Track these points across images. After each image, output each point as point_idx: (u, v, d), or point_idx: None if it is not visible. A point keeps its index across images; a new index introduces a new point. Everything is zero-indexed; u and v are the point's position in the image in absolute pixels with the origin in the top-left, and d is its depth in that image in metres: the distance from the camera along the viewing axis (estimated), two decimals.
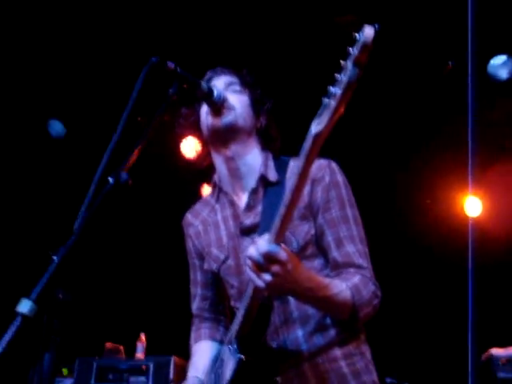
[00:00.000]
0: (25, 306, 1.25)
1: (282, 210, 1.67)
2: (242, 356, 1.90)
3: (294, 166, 2.14)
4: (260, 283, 1.72)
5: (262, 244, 1.70)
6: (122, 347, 5.45)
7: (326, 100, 1.48)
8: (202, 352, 2.27)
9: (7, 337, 1.21)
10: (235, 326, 1.98)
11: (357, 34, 1.39)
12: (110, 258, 6.15)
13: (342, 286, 1.92)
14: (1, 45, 4.67)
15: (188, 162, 5.88)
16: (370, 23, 1.38)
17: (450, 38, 5.11)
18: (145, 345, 5.50)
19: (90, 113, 5.20)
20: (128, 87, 1.76)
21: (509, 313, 5.87)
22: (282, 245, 1.71)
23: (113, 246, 6.11)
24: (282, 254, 1.70)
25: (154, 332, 5.61)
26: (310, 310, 2.03)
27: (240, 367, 1.91)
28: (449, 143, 5.75)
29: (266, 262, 1.69)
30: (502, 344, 4.75)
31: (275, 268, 1.69)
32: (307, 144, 1.56)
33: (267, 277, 1.70)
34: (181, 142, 5.95)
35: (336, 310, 1.95)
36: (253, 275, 1.73)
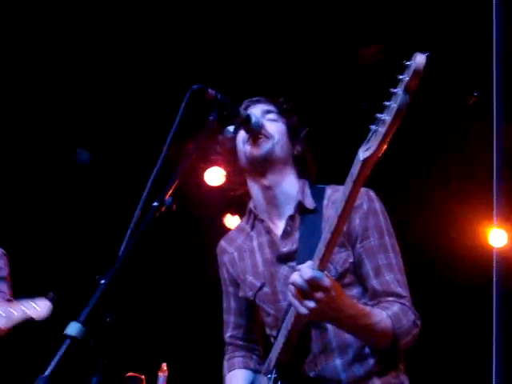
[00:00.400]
0: (73, 329, 1.25)
1: (327, 235, 1.67)
2: (282, 381, 1.89)
3: (332, 193, 2.15)
4: (304, 310, 1.71)
5: (306, 270, 1.69)
6: (143, 377, 5.41)
7: (374, 127, 1.50)
8: (237, 381, 2.25)
9: (56, 359, 1.21)
10: (274, 354, 1.97)
11: (407, 62, 1.42)
12: (133, 284, 6.15)
13: (382, 315, 1.90)
14: (31, 75, 4.76)
15: (211, 191, 5.91)
16: (420, 51, 1.42)
17: (476, 68, 5.13)
18: (166, 375, 5.46)
19: (134, 140, 5.25)
20: (167, 114, 1.78)
21: None
22: (325, 272, 1.71)
23: (139, 270, 6.12)
24: (327, 280, 1.70)
25: (177, 363, 5.58)
26: (349, 340, 2.01)
27: None
28: (474, 173, 5.73)
29: (310, 289, 1.68)
30: None
31: (319, 295, 1.69)
32: (355, 170, 1.57)
33: (311, 304, 1.70)
34: (205, 170, 5.99)
35: (376, 338, 1.93)
36: (296, 302, 1.72)
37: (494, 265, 5.70)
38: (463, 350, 5.89)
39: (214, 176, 5.99)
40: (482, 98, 5.36)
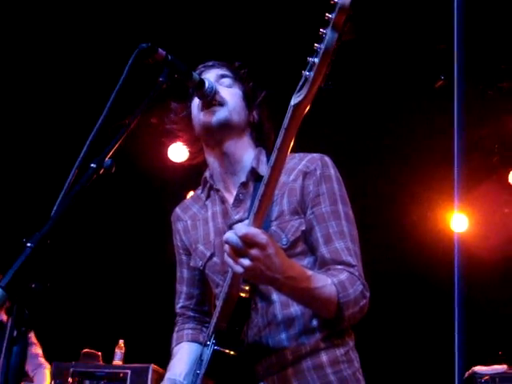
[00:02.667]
0: None
1: (260, 190, 1.62)
2: (218, 347, 1.82)
3: (288, 161, 2.07)
4: (238, 268, 1.65)
5: (240, 227, 1.64)
6: (99, 353, 5.35)
7: (305, 73, 1.47)
8: (183, 354, 2.17)
9: None
10: (213, 320, 1.90)
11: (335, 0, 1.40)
12: (91, 259, 6.05)
13: (326, 281, 1.83)
14: None
15: (175, 167, 5.82)
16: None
17: (441, 54, 5.13)
18: (123, 352, 5.41)
19: (76, 97, 5.11)
20: (117, 73, 1.68)
21: (494, 329, 5.84)
22: (262, 230, 1.66)
23: (94, 245, 6.01)
24: (261, 236, 1.64)
25: (133, 339, 5.51)
26: (295, 313, 1.94)
27: (215, 358, 1.83)
28: (437, 159, 5.75)
29: (244, 245, 1.62)
30: (486, 361, 4.70)
31: (254, 251, 1.62)
32: (287, 116, 1.54)
33: (246, 261, 1.63)
34: (168, 146, 5.90)
35: (319, 305, 1.85)
36: (231, 261, 1.66)
37: (456, 249, 5.80)
38: (425, 332, 5.94)
39: (177, 152, 5.90)
40: (446, 84, 5.38)
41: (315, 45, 1.44)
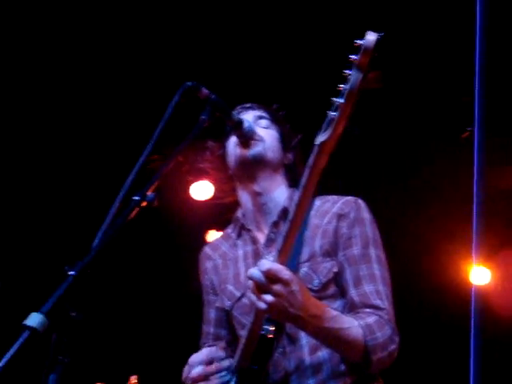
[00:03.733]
0: (34, 320, 1.17)
1: (285, 226, 1.63)
2: None
3: (321, 204, 2.09)
4: (261, 305, 1.63)
5: (264, 262, 1.63)
6: None
7: (331, 113, 1.50)
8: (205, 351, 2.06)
9: (12, 350, 1.12)
10: (236, 358, 1.87)
11: (359, 41, 1.45)
12: (111, 292, 6.05)
13: (352, 323, 1.80)
14: None
15: (197, 205, 5.85)
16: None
17: (466, 106, 5.17)
18: None
19: (121, 132, 5.19)
20: (159, 111, 1.72)
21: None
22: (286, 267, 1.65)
23: (112, 280, 6.01)
24: (285, 272, 1.62)
25: (148, 376, 5.45)
26: (323, 357, 1.92)
27: None
28: (461, 211, 5.72)
29: (267, 281, 1.61)
30: None
31: (277, 287, 1.61)
32: (312, 155, 1.57)
33: (268, 297, 1.61)
34: (191, 184, 5.93)
35: (345, 347, 1.82)
36: (253, 297, 1.65)
37: (473, 302, 5.73)
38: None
39: (201, 190, 5.93)
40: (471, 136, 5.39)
41: (340, 86, 1.48)
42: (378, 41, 1.44)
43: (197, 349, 2.27)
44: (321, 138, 1.54)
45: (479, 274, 6.05)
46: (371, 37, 1.44)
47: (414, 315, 5.99)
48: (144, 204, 1.44)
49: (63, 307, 1.22)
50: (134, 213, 1.42)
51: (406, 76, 4.94)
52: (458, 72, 4.82)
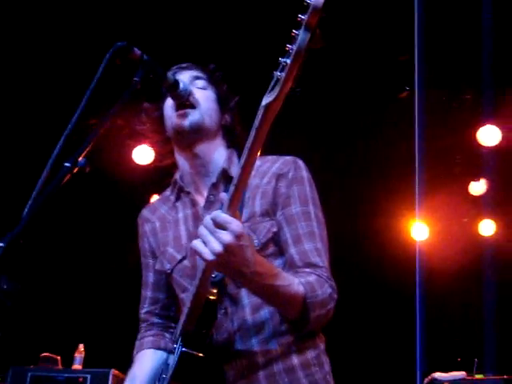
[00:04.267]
0: None
1: (231, 188, 1.61)
2: (185, 349, 1.79)
3: (261, 164, 2.07)
4: (208, 255, 1.60)
5: (217, 212, 1.62)
6: (58, 357, 5.24)
7: (277, 73, 1.48)
8: (143, 362, 2.12)
9: None
10: (180, 322, 1.87)
11: (308, 1, 1.41)
12: (52, 260, 5.95)
13: (293, 280, 1.82)
14: None
15: (139, 170, 5.77)
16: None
17: (405, 65, 5.22)
18: (83, 356, 5.31)
19: (51, 95, 5.02)
20: (92, 72, 1.66)
21: (453, 336, 5.93)
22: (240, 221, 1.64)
23: (55, 246, 5.91)
24: (236, 223, 1.61)
25: (94, 344, 5.42)
26: (265, 316, 1.93)
27: (182, 360, 1.79)
28: (397, 167, 5.83)
29: (216, 230, 1.59)
30: (446, 368, 4.78)
31: (226, 237, 1.59)
32: (258, 116, 1.54)
33: (217, 246, 1.59)
34: (133, 148, 5.84)
35: (284, 303, 1.83)
36: (200, 245, 1.62)
37: (417, 257, 5.89)
38: (386, 339, 6.00)
39: (143, 154, 5.85)
40: (410, 95, 5.47)
41: (287, 46, 1.45)
42: (326, 0, 1.41)
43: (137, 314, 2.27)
44: (267, 99, 1.51)
45: (419, 230, 6.21)
46: None
47: (358, 272, 6.12)
48: (75, 170, 1.40)
49: None
50: (65, 179, 1.37)
51: (345, 35, 4.94)
52: (397, 31, 4.86)
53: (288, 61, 1.45)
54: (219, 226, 1.60)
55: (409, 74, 5.18)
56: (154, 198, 5.99)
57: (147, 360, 2.12)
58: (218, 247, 1.60)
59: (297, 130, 5.62)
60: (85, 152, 1.45)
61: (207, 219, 1.62)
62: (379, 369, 5.93)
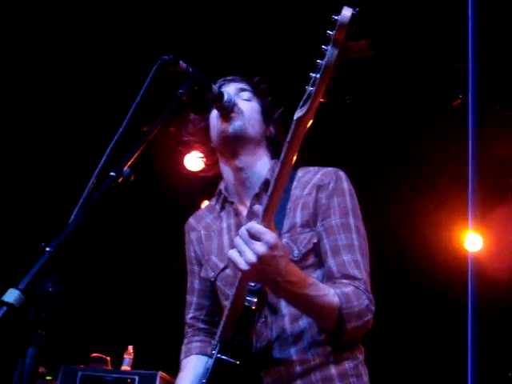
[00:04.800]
0: (11, 296, 1.19)
1: (265, 198, 1.65)
2: (221, 356, 1.82)
3: (302, 175, 2.10)
4: (243, 265, 1.65)
5: (252, 223, 1.67)
6: (108, 358, 5.36)
7: (308, 88, 1.52)
8: (190, 367, 2.18)
9: None
10: (219, 331, 1.91)
11: (335, 17, 1.46)
12: (104, 265, 6.09)
13: (329, 291, 1.83)
14: None
15: (191, 176, 5.86)
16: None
17: (459, 73, 5.14)
18: (132, 358, 5.42)
19: (99, 106, 5.16)
20: (140, 83, 1.72)
21: (507, 349, 5.79)
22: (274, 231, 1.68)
23: (108, 251, 6.05)
24: (270, 234, 1.65)
25: (143, 346, 5.53)
26: (304, 325, 1.95)
27: (218, 367, 1.83)
28: (450, 177, 5.75)
29: (251, 240, 1.64)
30: (498, 381, 4.67)
31: (261, 248, 1.63)
32: (290, 130, 1.58)
33: (251, 257, 1.63)
34: (185, 155, 5.93)
35: (320, 314, 1.85)
36: (236, 255, 1.67)
37: (470, 268, 5.77)
38: (438, 351, 5.91)
39: (194, 161, 5.94)
40: (464, 103, 5.39)
41: (317, 61, 1.50)
42: (354, 16, 1.44)
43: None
44: (298, 114, 1.55)
45: (473, 241, 6.09)
46: (347, 12, 1.44)
47: (411, 283, 6.04)
48: (120, 179, 1.45)
49: (40, 283, 1.24)
50: (110, 188, 1.42)
51: (398, 43, 4.91)
52: (452, 39, 4.80)
53: (318, 75, 1.49)
54: (254, 236, 1.64)
55: (464, 82, 5.11)
56: (205, 203, 6.12)
57: (194, 366, 2.17)
58: (252, 257, 1.64)
59: (348, 140, 5.61)
60: (130, 162, 1.50)
61: (242, 230, 1.66)
62: (430, 382, 5.84)
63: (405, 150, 5.87)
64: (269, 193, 1.64)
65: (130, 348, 5.45)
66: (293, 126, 1.57)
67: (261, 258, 1.63)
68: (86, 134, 5.23)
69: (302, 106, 1.54)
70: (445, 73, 5.33)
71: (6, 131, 5.22)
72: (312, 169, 2.13)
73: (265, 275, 1.69)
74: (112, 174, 1.46)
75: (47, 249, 1.29)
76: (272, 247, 1.63)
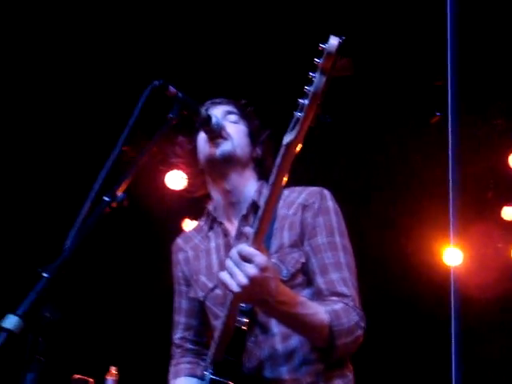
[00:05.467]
0: (10, 322, 1.20)
1: (255, 223, 1.68)
2: (215, 377, 1.84)
3: (288, 194, 2.14)
4: (234, 287, 1.67)
5: (241, 245, 1.69)
6: (91, 380, 5.30)
7: (297, 113, 1.56)
8: None
9: None
10: (211, 351, 1.92)
11: (323, 45, 1.49)
12: (86, 284, 6.05)
13: (319, 309, 1.86)
14: None
15: (172, 195, 5.86)
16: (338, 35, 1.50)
17: (437, 90, 5.24)
18: (116, 379, 5.36)
19: (90, 132, 5.17)
20: (128, 109, 1.74)
21: (490, 364, 5.85)
22: (265, 254, 1.70)
23: (88, 269, 6.01)
24: (261, 256, 1.67)
25: (127, 367, 5.48)
26: (294, 344, 1.97)
27: None
28: (430, 192, 5.82)
29: (242, 263, 1.66)
30: None
31: (252, 270, 1.65)
32: (279, 154, 1.62)
33: (242, 279, 1.66)
34: (166, 173, 5.94)
35: (311, 332, 1.88)
36: (228, 278, 1.69)
37: (452, 283, 5.82)
38: (421, 368, 5.94)
39: (175, 179, 5.94)
40: (442, 120, 5.48)
41: (305, 87, 1.54)
42: (340, 44, 1.48)
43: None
44: (287, 139, 1.59)
45: (453, 255, 6.16)
46: (333, 41, 1.48)
47: (390, 299, 6.08)
48: (114, 204, 1.47)
49: (38, 309, 1.25)
50: (104, 213, 1.44)
51: (376, 61, 4.99)
52: (429, 56, 4.89)
53: (306, 102, 1.53)
54: (245, 258, 1.67)
55: (441, 98, 5.20)
56: (186, 222, 6.12)
57: None
58: (244, 279, 1.66)
59: (327, 156, 5.66)
60: (123, 186, 1.52)
61: (233, 252, 1.69)
62: None
63: (384, 166, 5.94)
64: (259, 216, 1.67)
65: (113, 369, 5.39)
66: (282, 151, 1.61)
67: (252, 280, 1.66)
68: (78, 160, 5.23)
69: (290, 131, 1.58)
70: (422, 90, 5.42)
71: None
72: (297, 188, 2.17)
73: (256, 296, 1.72)
74: (106, 198, 1.48)
75: (44, 274, 1.30)
76: (263, 269, 1.66)
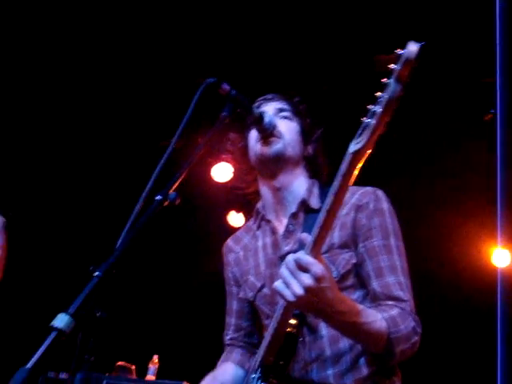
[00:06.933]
0: (61, 321, 1.20)
1: (315, 230, 1.61)
2: (264, 382, 1.82)
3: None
4: (289, 296, 1.61)
5: (298, 253, 1.63)
6: (133, 367, 5.38)
7: (366, 120, 1.47)
8: (226, 370, 2.17)
9: (40, 351, 1.15)
10: (260, 353, 1.90)
11: (400, 51, 1.41)
12: (131, 274, 6.12)
13: (376, 316, 1.81)
14: None
15: (217, 187, 5.87)
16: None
17: (487, 88, 5.10)
18: (157, 367, 5.42)
19: (144, 131, 5.22)
20: (183, 106, 1.73)
21: None
22: (322, 263, 1.63)
23: (134, 262, 6.08)
24: (318, 266, 1.61)
25: (168, 355, 5.54)
26: (343, 348, 1.94)
27: None
28: (478, 193, 5.69)
29: (298, 272, 1.60)
30: None
31: (308, 281, 1.59)
32: (344, 162, 1.54)
33: (299, 290, 1.60)
34: (212, 166, 5.94)
35: (368, 340, 1.83)
36: (282, 286, 1.63)
37: (499, 285, 5.69)
38: (466, 369, 5.83)
39: (221, 172, 5.94)
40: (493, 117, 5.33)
41: (378, 93, 1.45)
42: (420, 51, 1.40)
43: (212, 331, 2.31)
44: (355, 146, 1.51)
45: (501, 257, 6.02)
46: (413, 47, 1.40)
47: (438, 301, 5.98)
48: (166, 203, 1.46)
49: (89, 308, 1.25)
50: (156, 212, 1.43)
51: (427, 61, 4.88)
52: (479, 54, 4.77)
53: (380, 109, 1.44)
54: (301, 267, 1.61)
55: (491, 96, 5.06)
56: (231, 214, 6.11)
57: (230, 373, 2.17)
58: (299, 290, 1.60)
59: (381, 157, 5.57)
60: (175, 185, 1.51)
61: (290, 260, 1.62)
62: None
63: (433, 166, 5.83)
64: (319, 223, 1.61)
65: (155, 357, 5.46)
66: (348, 159, 1.53)
67: (308, 291, 1.60)
68: (134, 158, 5.29)
69: (357, 139, 1.50)
70: (473, 88, 5.29)
71: (54, 161, 5.30)
72: (350, 188, 2.11)
73: (312, 306, 1.66)
74: (158, 197, 1.47)
75: (95, 273, 1.29)
76: (319, 279, 1.60)
